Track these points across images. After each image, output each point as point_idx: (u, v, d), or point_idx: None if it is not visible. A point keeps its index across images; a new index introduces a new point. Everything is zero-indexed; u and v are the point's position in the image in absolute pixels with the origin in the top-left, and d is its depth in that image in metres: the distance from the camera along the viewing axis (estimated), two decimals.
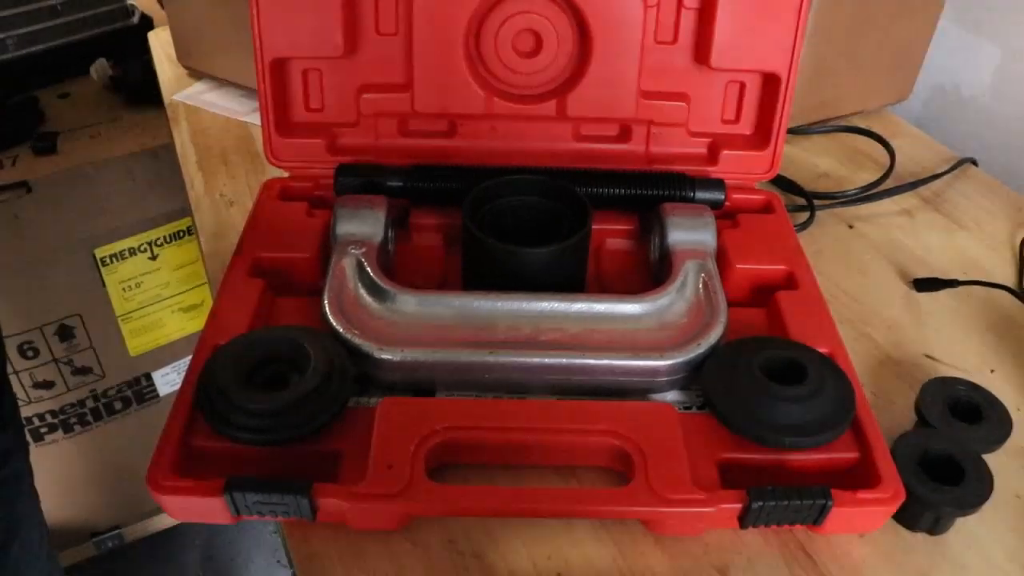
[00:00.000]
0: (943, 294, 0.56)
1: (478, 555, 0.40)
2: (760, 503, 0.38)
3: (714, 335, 0.46)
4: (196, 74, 0.84)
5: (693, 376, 0.45)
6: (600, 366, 0.45)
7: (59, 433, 1.24)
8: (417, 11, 0.54)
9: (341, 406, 0.42)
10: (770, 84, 0.57)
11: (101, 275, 1.15)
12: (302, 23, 0.54)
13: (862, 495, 0.39)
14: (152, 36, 0.96)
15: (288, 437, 0.40)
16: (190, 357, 1.34)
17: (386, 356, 0.44)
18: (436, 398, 0.45)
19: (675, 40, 0.57)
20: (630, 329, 0.47)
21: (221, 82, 0.82)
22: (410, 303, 0.48)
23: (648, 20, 0.56)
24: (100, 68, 1.19)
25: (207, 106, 0.79)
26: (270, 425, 0.40)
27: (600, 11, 0.55)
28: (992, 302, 0.56)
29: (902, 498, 0.39)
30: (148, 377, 1.28)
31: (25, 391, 1.18)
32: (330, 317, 0.46)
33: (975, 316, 0.55)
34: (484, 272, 0.50)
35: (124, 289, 1.18)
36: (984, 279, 0.57)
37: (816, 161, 0.70)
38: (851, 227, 0.63)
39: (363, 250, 0.51)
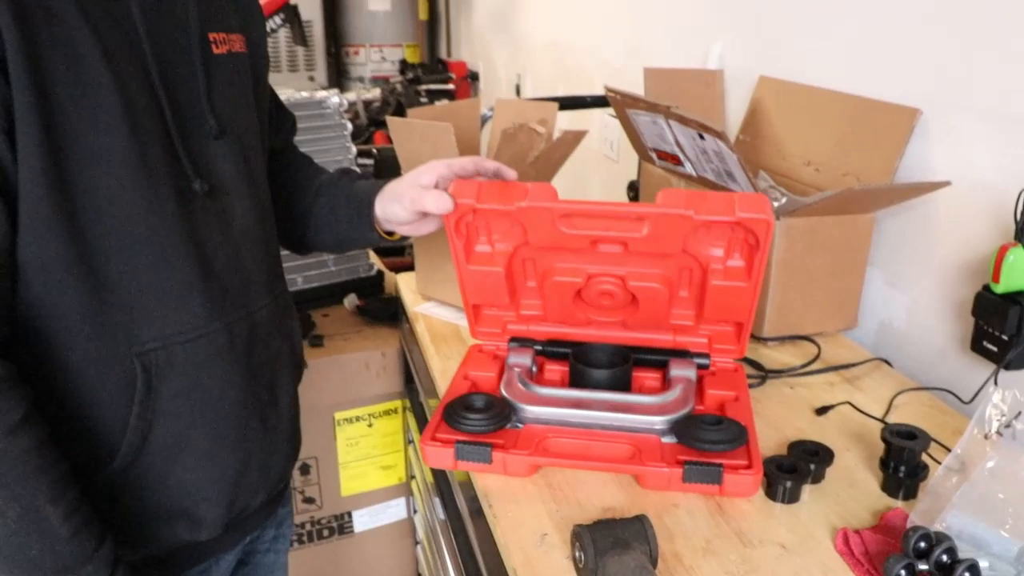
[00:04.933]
0: (832, 415, 1.02)
1: (564, 490, 0.88)
2: (690, 468, 0.85)
3: (685, 410, 0.94)
4: (427, 297, 1.43)
5: (674, 428, 0.93)
6: (629, 419, 0.94)
7: None
8: (549, 284, 1.10)
9: (503, 425, 0.93)
10: (739, 323, 1.08)
11: (335, 432, 1.70)
12: (487, 291, 1.09)
13: (742, 471, 0.85)
14: (399, 277, 1.57)
15: (481, 431, 0.91)
16: (382, 504, 1.88)
17: (526, 407, 0.95)
18: (548, 426, 0.95)
19: (684, 304, 1.09)
20: (646, 405, 0.96)
21: (442, 302, 1.40)
22: (540, 390, 0.99)
23: (671, 295, 1.08)
24: (350, 300, 1.82)
25: (434, 315, 1.37)
26: (474, 425, 0.91)
27: (644, 291, 1.07)
28: (859, 419, 1.01)
29: (760, 473, 0.85)
30: (349, 515, 1.78)
31: None
32: (503, 391, 0.98)
33: (845, 424, 1.00)
34: (579, 384, 1.01)
35: (347, 445, 1.73)
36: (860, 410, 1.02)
37: (779, 355, 1.19)
38: (791, 388, 1.10)
39: (519, 371, 1.03)
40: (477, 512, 0.96)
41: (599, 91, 1.55)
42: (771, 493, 0.87)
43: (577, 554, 0.76)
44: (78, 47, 0.77)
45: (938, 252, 1.17)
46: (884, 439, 0.89)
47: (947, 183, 1.11)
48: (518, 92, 3.39)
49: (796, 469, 0.87)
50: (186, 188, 0.87)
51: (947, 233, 1.16)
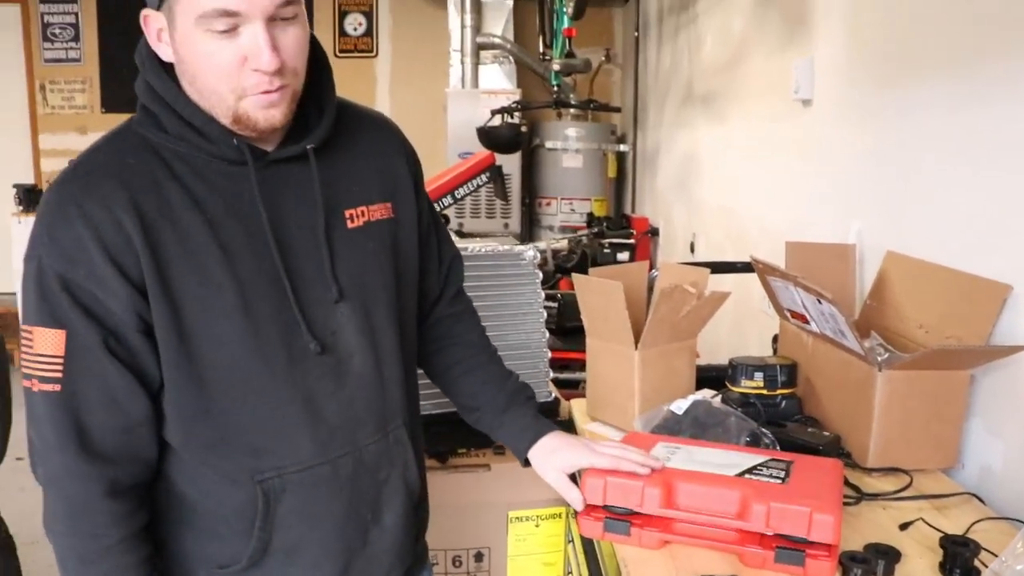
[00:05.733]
0: (912, 531, 1.25)
1: (684, 561, 1.17)
2: (780, 551, 1.12)
3: None
4: (594, 419, 1.76)
5: None
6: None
7: None
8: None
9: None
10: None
11: (507, 527, 2.03)
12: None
13: (821, 557, 1.11)
14: (573, 402, 1.92)
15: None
16: None
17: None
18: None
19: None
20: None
21: (606, 423, 1.73)
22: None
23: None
24: None
25: (599, 432, 1.70)
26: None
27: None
28: (936, 536, 1.23)
29: (835, 560, 1.10)
30: None
31: None
32: None
33: (923, 539, 1.22)
34: None
35: (516, 540, 2.04)
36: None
37: (879, 483, 1.42)
38: (884, 509, 1.33)
39: None
40: None
41: (761, 254, 1.87)
42: None
43: None
44: (204, 259, 1.03)
45: None
46: (942, 546, 1.12)
47: (1022, 348, 1.34)
48: (692, 249, 3.75)
49: (867, 561, 1.12)
50: (301, 349, 1.08)
51: None
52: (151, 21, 1.05)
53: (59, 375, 1.01)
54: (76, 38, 6.32)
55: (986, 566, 1.12)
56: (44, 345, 1.01)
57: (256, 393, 1.08)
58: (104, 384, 1.03)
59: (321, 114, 1.13)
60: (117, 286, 1.01)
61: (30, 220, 5.68)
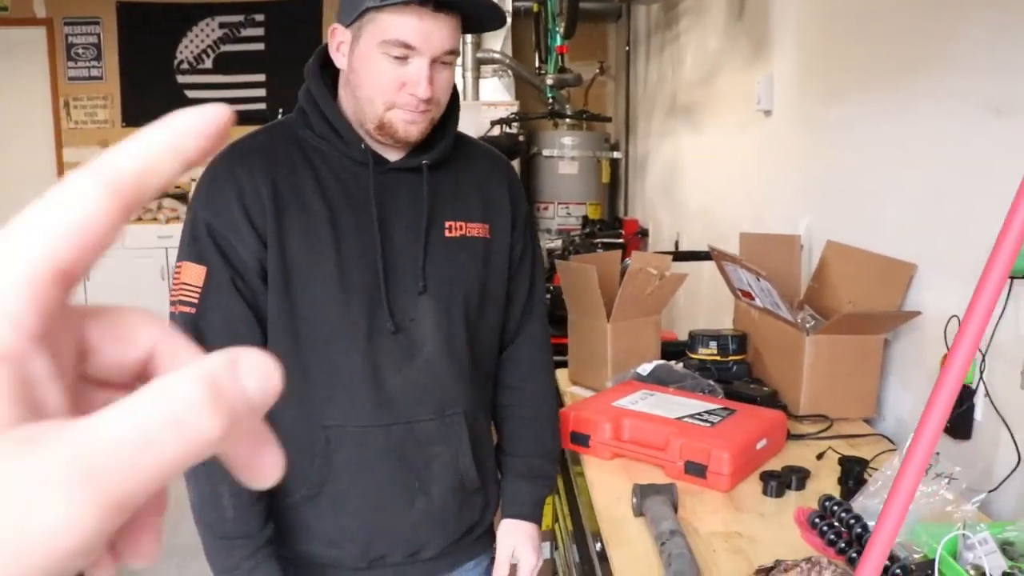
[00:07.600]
0: (826, 460, 1.54)
1: (633, 474, 1.46)
2: (687, 464, 1.41)
3: None
4: (575, 383, 2.06)
5: None
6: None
7: None
8: None
9: None
10: None
11: None
12: None
13: (719, 474, 1.40)
14: (559, 372, 2.22)
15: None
16: None
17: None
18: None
19: None
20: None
21: (584, 386, 2.03)
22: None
23: None
24: None
25: (578, 393, 1.99)
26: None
27: None
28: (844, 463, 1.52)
29: (728, 475, 1.39)
30: None
31: None
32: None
33: (835, 466, 1.51)
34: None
35: None
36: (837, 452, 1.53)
37: (807, 428, 1.71)
38: (807, 446, 1.63)
39: None
40: (603, 557, 1.42)
41: (732, 248, 2.17)
42: (764, 490, 1.41)
43: (634, 500, 1.34)
44: (317, 233, 1.22)
45: (929, 364, 1.68)
46: (840, 463, 1.41)
47: (918, 313, 1.64)
48: (676, 247, 4.05)
49: (781, 476, 1.41)
50: (380, 326, 1.25)
51: (933, 349, 1.67)
52: (337, 34, 1.25)
53: (196, 300, 1.23)
54: (98, 57, 6.62)
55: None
56: (189, 276, 1.24)
57: (335, 353, 1.26)
58: (229, 314, 1.24)
59: (442, 140, 1.31)
60: (248, 236, 1.22)
61: None
